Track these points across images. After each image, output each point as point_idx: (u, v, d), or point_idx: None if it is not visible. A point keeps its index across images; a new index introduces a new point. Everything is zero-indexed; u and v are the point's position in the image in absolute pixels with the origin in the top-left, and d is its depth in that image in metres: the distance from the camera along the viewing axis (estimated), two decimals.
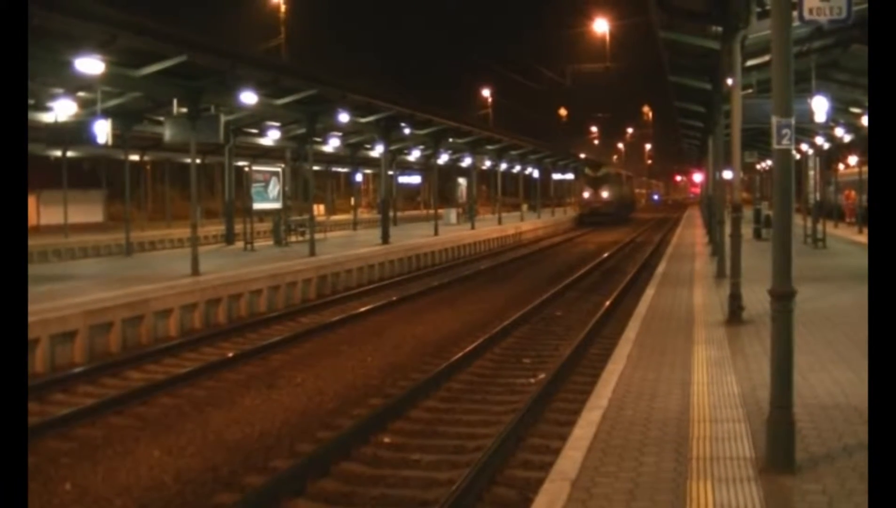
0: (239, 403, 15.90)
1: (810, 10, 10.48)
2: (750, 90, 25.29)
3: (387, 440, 13.58)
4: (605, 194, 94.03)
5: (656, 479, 8.54)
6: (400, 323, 24.74)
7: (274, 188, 42.00)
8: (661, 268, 32.00)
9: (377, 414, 14.42)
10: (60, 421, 14.55)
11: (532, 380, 17.34)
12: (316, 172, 55.37)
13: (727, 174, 26.18)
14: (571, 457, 9.34)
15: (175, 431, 14.15)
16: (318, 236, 39.77)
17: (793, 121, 8.63)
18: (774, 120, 8.64)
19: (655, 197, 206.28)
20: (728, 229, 21.28)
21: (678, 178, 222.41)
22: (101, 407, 15.42)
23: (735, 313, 18.21)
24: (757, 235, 39.51)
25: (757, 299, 18.98)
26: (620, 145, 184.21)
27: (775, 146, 8.70)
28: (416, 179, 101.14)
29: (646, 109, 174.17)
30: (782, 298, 8.67)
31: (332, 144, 55.39)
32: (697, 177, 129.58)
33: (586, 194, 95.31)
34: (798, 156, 58.92)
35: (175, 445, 13.37)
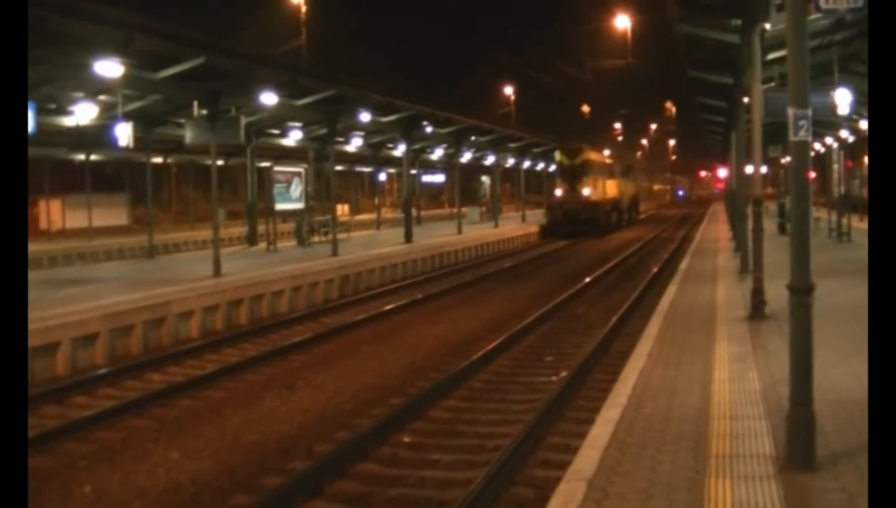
0: (258, 404, 15.84)
1: (826, 0, 10.34)
2: (772, 84, 25.10)
3: (406, 439, 13.50)
4: (586, 192, 64.88)
5: (673, 478, 8.43)
6: (421, 322, 24.67)
7: (296, 189, 42.05)
8: (684, 264, 31.87)
9: (396, 414, 14.34)
10: (80, 424, 14.53)
11: (553, 378, 17.22)
12: (338, 172, 55.41)
13: (749, 169, 25.99)
14: (588, 456, 9.24)
15: (193, 433, 14.10)
16: (340, 235, 39.84)
17: (809, 112, 8.51)
18: (791, 112, 8.53)
19: (680, 193, 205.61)
20: (751, 224, 21.14)
21: (702, 173, 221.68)
22: (120, 410, 15.39)
23: (757, 309, 18.07)
24: (781, 229, 39.26)
25: (780, 294, 18.66)
26: (644, 141, 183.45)
27: (792, 138, 8.58)
28: (439, 178, 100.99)
29: (668, 104, 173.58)
30: (800, 292, 8.56)
31: (355, 144, 55.42)
32: (721, 172, 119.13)
33: (558, 192, 65.77)
34: (822, 149, 58.69)
35: (193, 447, 13.33)
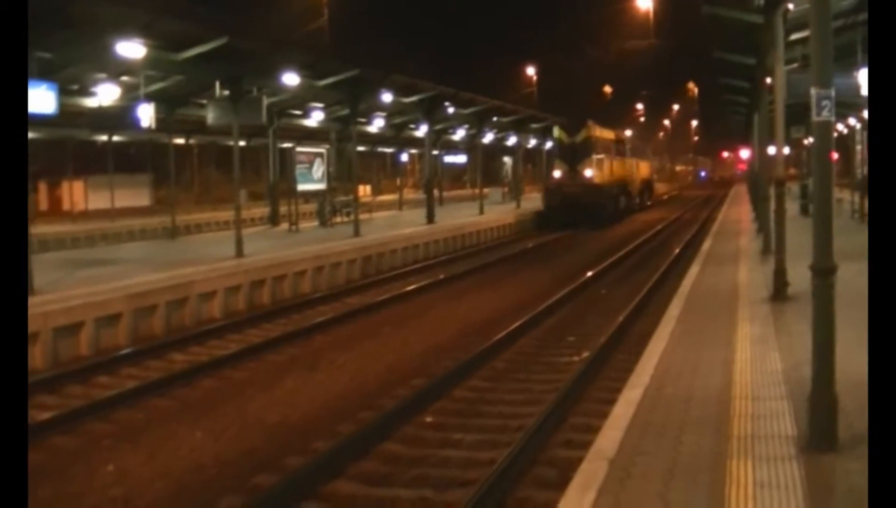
0: (280, 385, 15.90)
1: None
2: (795, 64, 25.01)
3: (428, 419, 13.54)
4: (588, 173, 56.16)
5: (695, 458, 8.44)
6: (443, 303, 24.72)
7: (318, 169, 42.10)
8: (706, 245, 31.80)
9: (419, 394, 14.38)
10: (104, 404, 14.62)
11: (575, 359, 17.24)
12: (360, 152, 55.33)
13: (772, 150, 25.89)
14: (611, 437, 9.25)
15: (216, 413, 14.17)
16: (363, 216, 39.87)
17: (832, 92, 8.48)
18: (814, 91, 8.50)
19: (702, 174, 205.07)
20: (773, 205, 21.08)
21: (724, 154, 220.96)
22: (143, 390, 15.48)
23: (780, 290, 18.03)
24: (804, 210, 39.09)
25: (802, 275, 18.55)
26: (666, 122, 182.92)
27: (815, 118, 8.55)
28: (461, 159, 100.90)
29: (691, 85, 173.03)
30: (823, 273, 8.55)
31: (377, 125, 55.34)
32: (744, 153, 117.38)
33: (557, 174, 57.40)
34: (845, 130, 58.43)
35: (216, 427, 13.39)
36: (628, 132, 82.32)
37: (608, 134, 63.47)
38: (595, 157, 57.06)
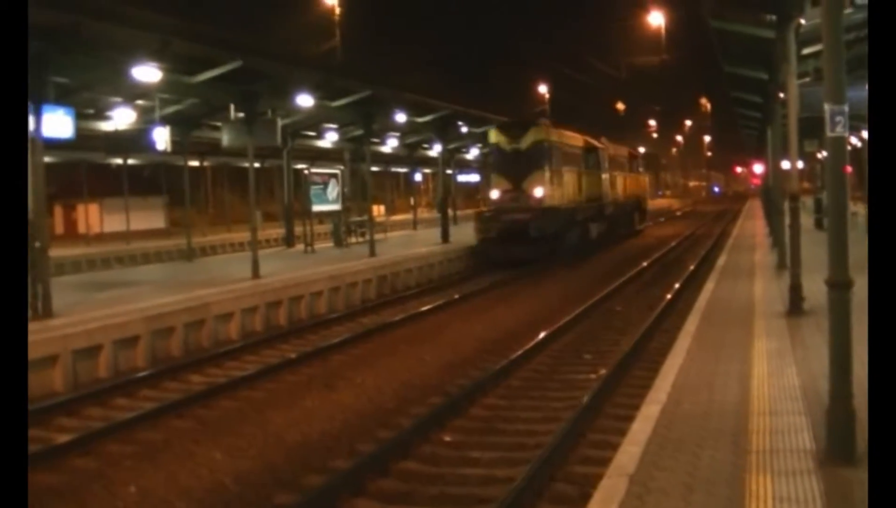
0: (299, 404, 15.94)
1: None
2: (807, 78, 25.03)
3: (446, 438, 13.58)
4: (538, 193, 41.31)
5: (714, 473, 8.48)
6: (459, 322, 24.74)
7: (333, 190, 42.17)
8: (721, 260, 31.83)
9: (436, 413, 14.42)
10: (123, 425, 14.68)
11: (592, 375, 17.26)
12: (374, 172, 55.42)
13: (785, 164, 25.90)
14: (629, 452, 9.30)
15: (236, 433, 14.21)
16: (377, 236, 39.93)
17: (846, 108, 8.53)
18: (827, 107, 8.55)
19: (716, 189, 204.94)
20: (788, 220, 21.11)
21: (738, 169, 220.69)
22: (162, 410, 15.54)
23: (795, 304, 18.04)
24: (818, 224, 39.08)
25: (818, 289, 18.59)
26: (679, 137, 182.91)
27: (829, 134, 8.60)
28: (475, 178, 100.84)
29: (703, 100, 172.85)
30: (839, 287, 8.58)
31: (390, 145, 55.43)
32: (757, 168, 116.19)
33: (495, 194, 42.61)
34: (859, 144, 58.39)
35: (236, 447, 13.44)
36: (623, 140, 74.41)
37: (571, 139, 48.04)
38: (548, 170, 41.65)
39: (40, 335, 17.68)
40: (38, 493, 11.53)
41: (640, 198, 69.20)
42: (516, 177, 41.34)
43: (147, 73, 24.13)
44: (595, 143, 52.53)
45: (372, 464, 11.88)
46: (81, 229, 62.77)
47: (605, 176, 53.04)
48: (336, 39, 66.11)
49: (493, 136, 42.70)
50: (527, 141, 41.55)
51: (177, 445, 13.70)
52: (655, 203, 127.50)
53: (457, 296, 29.53)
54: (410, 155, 62.86)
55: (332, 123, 44.44)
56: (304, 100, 32.03)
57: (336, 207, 42.67)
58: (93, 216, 62.27)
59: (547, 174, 41.47)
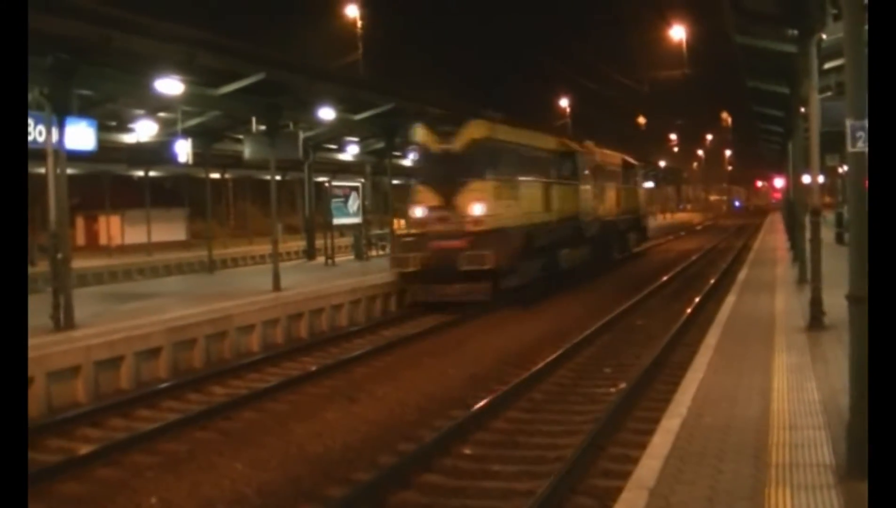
0: (321, 416, 15.99)
1: None
2: (829, 93, 25.02)
3: (467, 451, 13.61)
4: (475, 210, 30.18)
5: (734, 486, 8.50)
6: (481, 334, 24.79)
7: (354, 203, 42.21)
8: (742, 274, 31.80)
9: (458, 426, 14.45)
10: (146, 436, 14.76)
11: (613, 389, 17.28)
12: (396, 185, 55.46)
13: (806, 178, 25.88)
14: (650, 465, 9.32)
15: (258, 444, 14.27)
16: None
17: (867, 123, 8.53)
18: (848, 123, 8.58)
19: (737, 203, 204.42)
20: (808, 234, 21.09)
21: (759, 183, 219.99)
22: (185, 422, 15.61)
23: (816, 319, 18.03)
24: (839, 239, 38.97)
25: (839, 303, 18.60)
26: (700, 152, 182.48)
27: (850, 149, 8.63)
28: None
29: (724, 114, 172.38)
30: (859, 302, 8.59)
31: (412, 158, 55.41)
32: (778, 182, 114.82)
33: (418, 211, 31.33)
34: None
35: (258, 458, 13.50)
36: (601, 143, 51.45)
37: (533, 138, 36.55)
38: (492, 178, 30.70)
39: (63, 346, 17.81)
40: (62, 503, 11.63)
41: (638, 215, 56.33)
42: (446, 188, 30.26)
43: (171, 85, 24.30)
44: (572, 145, 41.03)
45: (393, 476, 11.94)
46: (103, 240, 63.00)
47: (585, 188, 40.59)
48: (358, 52, 66.24)
49: (419, 133, 31.70)
50: (462, 140, 30.62)
51: (200, 456, 13.77)
52: (677, 217, 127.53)
53: (479, 308, 29.47)
54: None
55: (354, 136, 44.50)
56: (326, 113, 32.16)
57: (357, 220, 42.70)
58: (114, 228, 62.46)
59: (489, 185, 30.16)
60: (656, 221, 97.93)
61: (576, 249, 38.35)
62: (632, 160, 57.21)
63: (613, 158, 49.97)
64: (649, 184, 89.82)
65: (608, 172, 47.12)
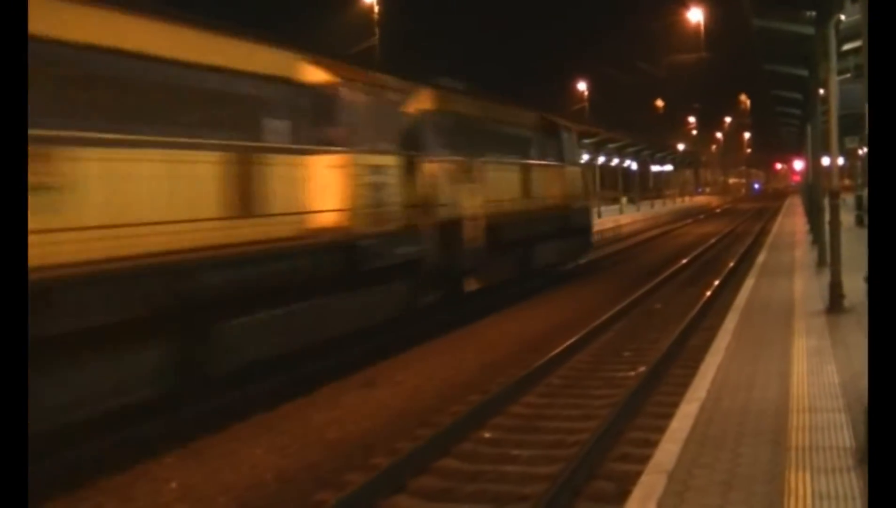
0: (339, 403, 16.02)
1: None
2: (847, 75, 24.95)
3: (486, 435, 13.62)
4: None
5: (753, 470, 8.49)
6: (498, 320, 24.77)
7: None
8: (761, 258, 31.76)
9: (476, 411, 14.46)
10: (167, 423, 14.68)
11: (631, 373, 17.27)
12: None
13: (825, 161, 25.80)
14: (668, 450, 9.32)
15: (277, 430, 14.30)
16: None
17: None
18: (868, 105, 8.52)
19: (755, 186, 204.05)
20: (827, 217, 21.04)
21: (777, 166, 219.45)
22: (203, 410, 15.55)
23: (836, 302, 17.99)
24: (859, 222, 38.82)
25: (859, 287, 18.61)
26: (719, 135, 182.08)
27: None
28: None
29: (743, 97, 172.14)
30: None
31: None
32: (797, 164, 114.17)
33: None
34: None
35: (277, 444, 13.54)
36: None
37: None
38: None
39: None
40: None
41: (569, 210, 34.60)
42: None
43: None
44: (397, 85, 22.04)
45: (412, 462, 11.95)
46: None
47: (432, 169, 22.85)
48: (375, 38, 66.16)
49: None
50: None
51: (220, 442, 13.80)
52: (695, 200, 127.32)
53: (494, 295, 29.42)
54: None
55: None
56: None
57: None
58: None
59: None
60: (675, 203, 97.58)
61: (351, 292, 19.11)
62: (557, 121, 35.95)
63: (521, 115, 32.47)
64: (668, 167, 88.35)
65: (510, 140, 30.09)
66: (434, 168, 22.58)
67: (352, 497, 10.60)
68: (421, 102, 22.84)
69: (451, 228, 23.18)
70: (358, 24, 68.84)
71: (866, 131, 8.49)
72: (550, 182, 32.59)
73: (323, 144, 17.61)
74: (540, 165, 31.82)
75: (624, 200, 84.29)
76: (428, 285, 23.00)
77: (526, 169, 30.11)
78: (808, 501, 7.64)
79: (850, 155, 57.16)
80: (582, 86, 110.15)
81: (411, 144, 21.45)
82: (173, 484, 11.90)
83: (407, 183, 20.79)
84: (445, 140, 23.83)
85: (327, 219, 17.39)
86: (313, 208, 17.01)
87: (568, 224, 34.17)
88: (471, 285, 26.12)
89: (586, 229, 37.94)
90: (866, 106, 8.42)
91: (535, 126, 32.70)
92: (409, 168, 21.12)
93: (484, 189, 25.50)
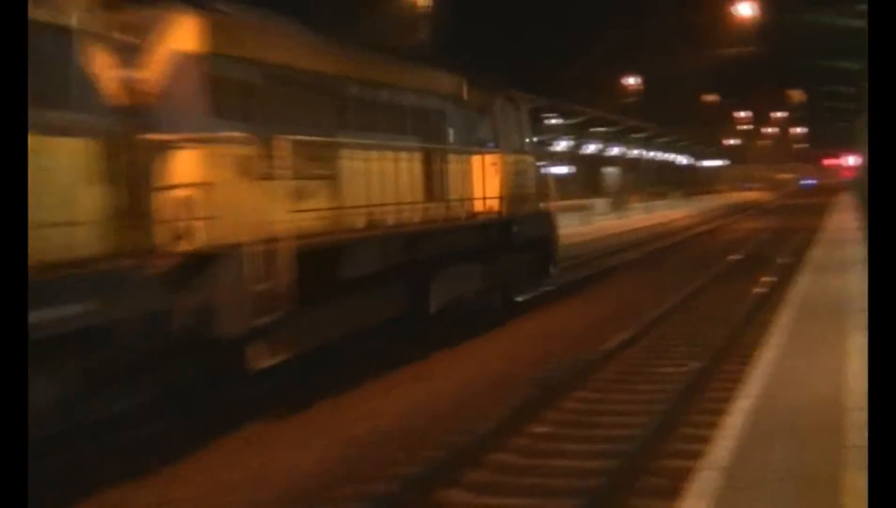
0: (392, 395, 16.05)
1: None
2: None
3: (539, 430, 13.63)
4: None
5: (808, 467, 8.49)
6: (546, 313, 24.76)
7: None
8: (814, 253, 31.57)
9: (528, 404, 14.47)
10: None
11: (684, 369, 17.23)
12: None
13: None
14: (723, 446, 9.33)
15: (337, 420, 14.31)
16: None
17: None
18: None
19: (806, 182, 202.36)
20: None
21: (828, 161, 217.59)
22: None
23: None
24: None
25: None
26: (769, 130, 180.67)
27: None
28: (562, 170, 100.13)
29: (794, 92, 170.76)
30: None
31: None
32: (849, 160, 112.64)
33: None
34: None
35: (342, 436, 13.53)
36: None
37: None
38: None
39: None
40: None
41: (513, 217, 24.33)
42: None
43: None
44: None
45: (465, 455, 12.01)
46: None
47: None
48: (423, 31, 66.01)
49: None
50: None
51: (277, 436, 13.83)
52: (744, 196, 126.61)
53: (546, 288, 29.40)
54: None
55: None
56: None
57: None
58: None
59: None
60: (723, 199, 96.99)
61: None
62: (502, 91, 26.20)
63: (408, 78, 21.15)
64: (718, 162, 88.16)
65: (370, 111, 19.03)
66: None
67: (407, 490, 10.63)
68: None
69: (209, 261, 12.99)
70: (405, 17, 68.72)
71: None
72: (476, 177, 23.07)
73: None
74: (455, 151, 22.42)
75: (675, 194, 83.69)
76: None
77: (428, 158, 20.53)
78: (865, 499, 7.62)
79: None
80: (631, 80, 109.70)
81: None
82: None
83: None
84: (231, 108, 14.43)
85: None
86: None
87: (509, 238, 24.00)
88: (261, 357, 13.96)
89: (544, 242, 27.07)
90: None
91: (451, 96, 22.71)
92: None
93: (324, 189, 16.45)
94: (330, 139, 16.61)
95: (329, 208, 16.15)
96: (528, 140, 27.70)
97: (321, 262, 15.07)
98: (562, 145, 70.67)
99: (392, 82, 19.79)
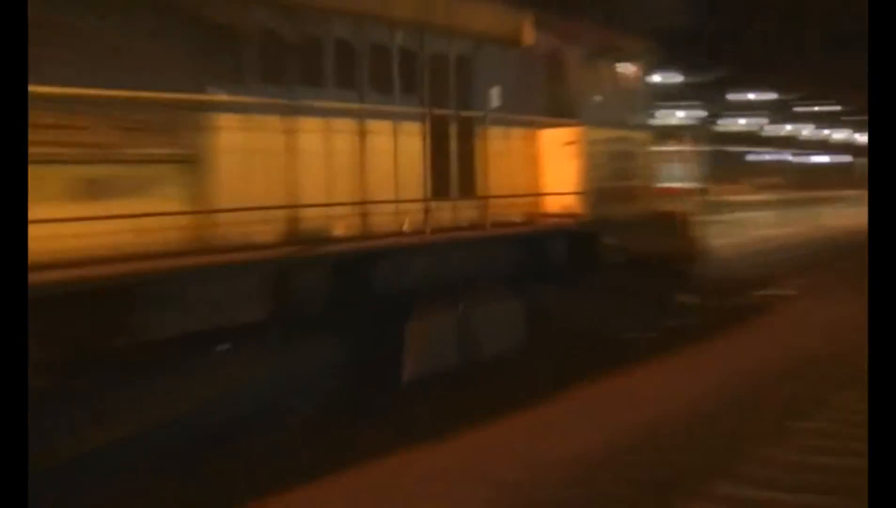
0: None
1: None
2: None
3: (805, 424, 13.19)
4: None
5: None
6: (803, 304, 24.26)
7: None
8: None
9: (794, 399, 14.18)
10: None
11: None
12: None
13: None
14: None
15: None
16: None
17: None
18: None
19: None
20: None
21: None
22: None
23: None
24: None
25: None
26: None
27: None
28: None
29: None
30: None
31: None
32: None
33: None
34: None
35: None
36: None
37: None
38: None
39: None
40: None
41: (585, 223, 16.76)
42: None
43: None
44: None
45: (728, 450, 11.83)
46: None
47: None
48: None
49: None
50: None
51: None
52: None
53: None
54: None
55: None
56: None
57: None
58: None
59: None
60: None
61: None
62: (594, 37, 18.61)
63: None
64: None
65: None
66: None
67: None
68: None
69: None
70: None
71: None
72: (527, 162, 16.59)
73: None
74: (498, 123, 15.84)
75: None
76: None
77: (440, 131, 14.60)
78: None
79: None
80: None
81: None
82: None
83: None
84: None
85: None
86: None
87: (593, 254, 17.22)
88: None
89: (664, 260, 19.49)
90: None
91: (499, 37, 15.80)
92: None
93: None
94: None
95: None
96: (637, 111, 19.90)
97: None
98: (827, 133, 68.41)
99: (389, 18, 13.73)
